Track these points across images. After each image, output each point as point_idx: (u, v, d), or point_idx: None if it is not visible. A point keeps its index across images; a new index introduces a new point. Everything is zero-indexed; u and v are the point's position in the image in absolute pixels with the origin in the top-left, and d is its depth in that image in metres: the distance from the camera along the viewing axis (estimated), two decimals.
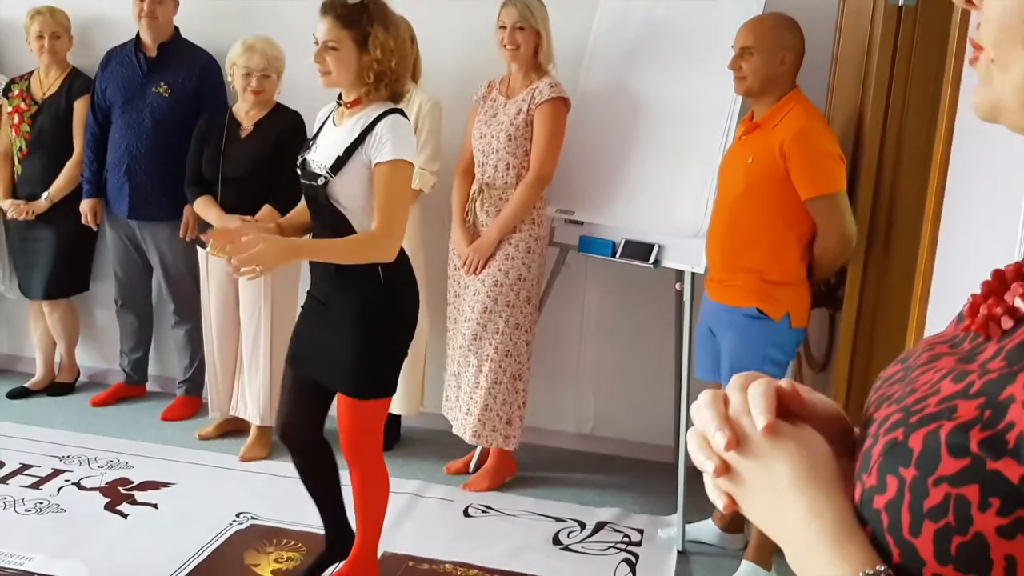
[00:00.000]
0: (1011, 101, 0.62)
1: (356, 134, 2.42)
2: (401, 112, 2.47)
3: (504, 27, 3.30)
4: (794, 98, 2.76)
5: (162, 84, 3.83)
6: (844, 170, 2.69)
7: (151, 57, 3.88)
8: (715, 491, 0.67)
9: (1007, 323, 0.61)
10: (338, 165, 2.41)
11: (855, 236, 2.69)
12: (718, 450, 0.65)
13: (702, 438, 0.66)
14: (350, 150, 2.41)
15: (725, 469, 0.65)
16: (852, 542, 0.60)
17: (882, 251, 2.78)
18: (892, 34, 2.65)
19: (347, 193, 2.42)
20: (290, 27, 3.64)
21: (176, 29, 3.92)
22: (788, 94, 2.77)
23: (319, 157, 2.48)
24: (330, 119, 2.57)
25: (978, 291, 0.67)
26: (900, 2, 2.63)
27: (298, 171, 2.54)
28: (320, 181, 2.42)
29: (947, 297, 1.95)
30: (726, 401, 0.67)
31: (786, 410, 0.67)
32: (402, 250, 2.52)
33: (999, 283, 0.66)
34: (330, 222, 2.46)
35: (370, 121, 2.42)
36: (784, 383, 0.68)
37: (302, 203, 2.67)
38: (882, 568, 0.57)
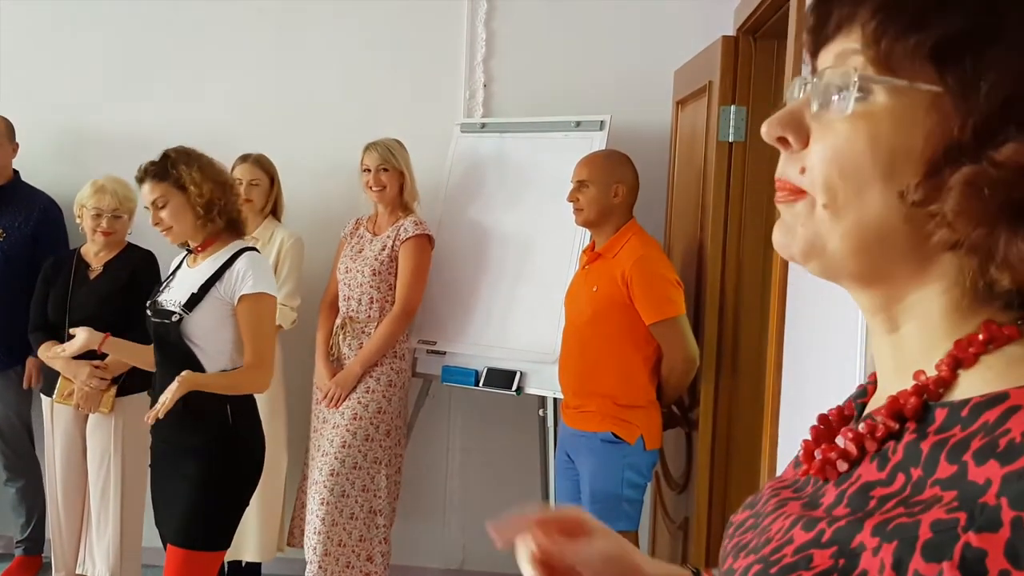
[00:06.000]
0: (840, 247, 0.62)
1: (211, 272, 2.49)
2: (255, 249, 2.57)
3: (368, 170, 3.38)
4: (631, 229, 2.89)
5: None
6: (682, 294, 2.83)
7: None
8: None
9: (843, 466, 0.64)
10: (193, 302, 2.46)
11: (698, 356, 2.83)
12: None
13: None
14: (205, 287, 2.48)
15: None
16: None
17: (730, 372, 2.92)
18: (725, 167, 2.87)
19: (200, 331, 2.46)
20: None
21: (16, 172, 3.79)
22: (625, 225, 2.89)
23: (172, 296, 2.52)
24: (184, 263, 2.64)
25: (809, 436, 0.70)
26: (730, 138, 2.87)
27: (147, 312, 2.55)
28: (174, 318, 2.46)
29: (795, 412, 2.06)
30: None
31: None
32: (251, 396, 2.53)
33: (826, 427, 0.70)
34: (180, 360, 2.46)
35: (227, 258, 2.51)
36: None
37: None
38: None
